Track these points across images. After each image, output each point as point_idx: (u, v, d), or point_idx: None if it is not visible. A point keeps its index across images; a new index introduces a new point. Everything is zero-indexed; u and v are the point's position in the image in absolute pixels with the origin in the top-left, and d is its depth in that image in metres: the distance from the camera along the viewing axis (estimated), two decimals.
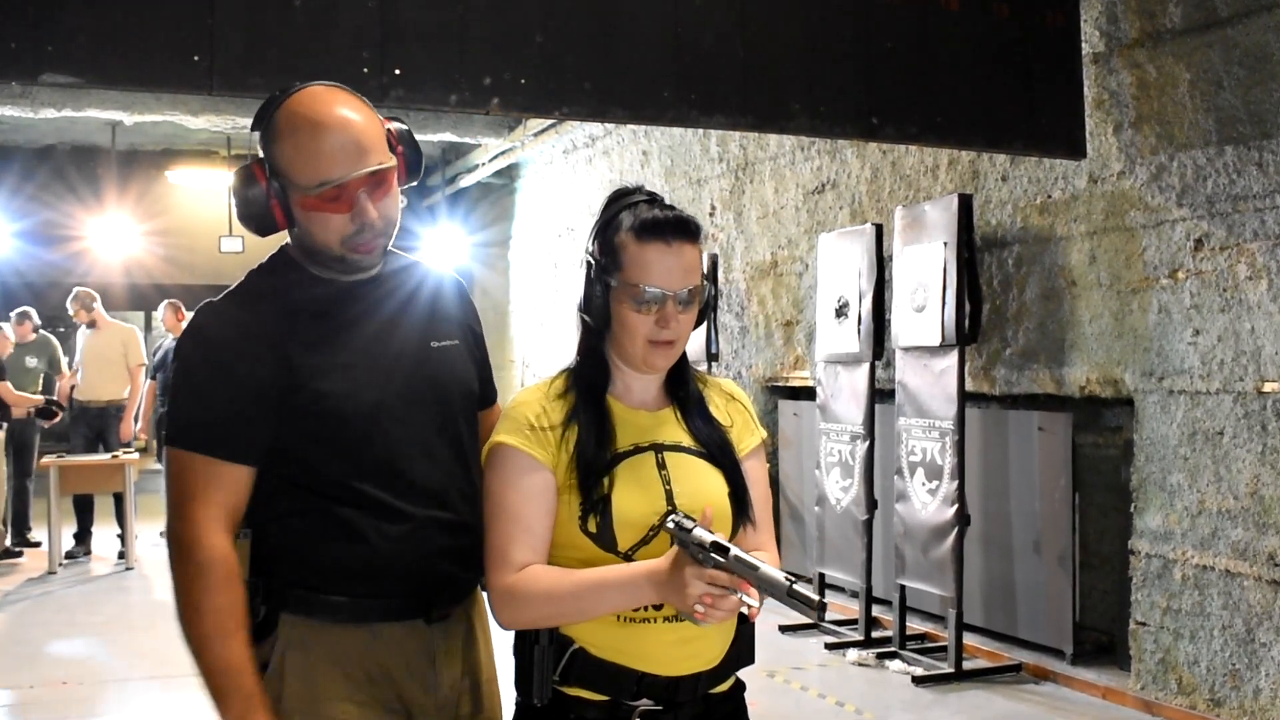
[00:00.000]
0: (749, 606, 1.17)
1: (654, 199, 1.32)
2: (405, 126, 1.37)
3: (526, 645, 1.28)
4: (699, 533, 1.17)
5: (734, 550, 1.16)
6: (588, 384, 1.32)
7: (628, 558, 1.25)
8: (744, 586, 1.15)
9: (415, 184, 1.39)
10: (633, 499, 1.26)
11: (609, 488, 1.26)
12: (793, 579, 1.13)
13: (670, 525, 1.19)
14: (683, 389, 1.36)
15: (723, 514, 1.29)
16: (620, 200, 1.32)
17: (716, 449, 1.33)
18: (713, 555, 1.16)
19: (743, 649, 1.34)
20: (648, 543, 1.25)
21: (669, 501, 1.27)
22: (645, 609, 1.25)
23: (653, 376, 1.34)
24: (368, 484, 1.30)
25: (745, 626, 1.34)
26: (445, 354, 1.40)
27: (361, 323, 1.35)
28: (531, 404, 1.32)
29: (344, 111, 1.30)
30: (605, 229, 1.30)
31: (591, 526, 1.25)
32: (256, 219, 1.32)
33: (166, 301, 6.96)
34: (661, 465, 1.29)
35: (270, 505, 1.31)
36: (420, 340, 1.38)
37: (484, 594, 1.41)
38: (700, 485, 1.29)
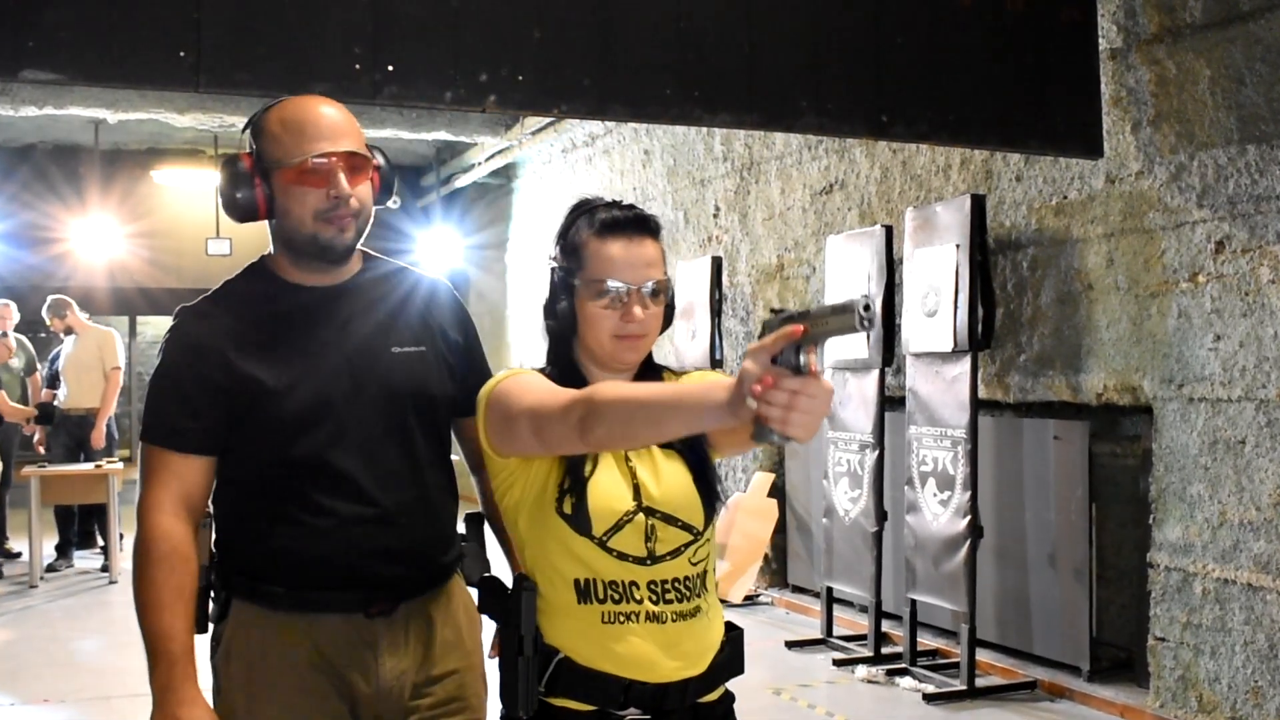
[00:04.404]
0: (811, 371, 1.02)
1: (612, 203, 1.36)
2: (387, 157, 1.51)
3: (510, 657, 1.28)
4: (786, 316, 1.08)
5: (814, 311, 1.04)
6: (562, 381, 1.33)
7: (602, 543, 1.28)
8: (795, 333, 1.01)
9: (388, 204, 1.52)
10: (607, 487, 1.30)
11: (591, 470, 1.29)
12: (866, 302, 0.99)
13: (769, 314, 1.16)
14: None
15: (692, 504, 1.32)
16: (580, 208, 1.37)
17: (680, 442, 1.33)
18: (790, 319, 1.04)
19: (731, 658, 1.35)
20: (620, 529, 1.28)
21: (636, 495, 1.30)
22: (628, 602, 1.27)
23: (622, 377, 1.36)
24: (296, 478, 1.40)
25: (734, 634, 1.36)
26: (406, 359, 1.46)
27: (315, 325, 1.44)
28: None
29: (328, 106, 1.45)
30: (566, 233, 1.35)
31: (567, 508, 1.28)
32: (240, 205, 1.43)
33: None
34: (628, 457, 1.33)
35: (222, 497, 1.45)
36: (379, 344, 1.46)
37: (454, 586, 1.51)
38: (667, 477, 1.32)
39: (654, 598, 1.28)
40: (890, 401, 4.48)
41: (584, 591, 1.28)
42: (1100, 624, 3.99)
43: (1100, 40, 3.57)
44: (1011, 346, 4.15)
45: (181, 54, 2.52)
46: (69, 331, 6.33)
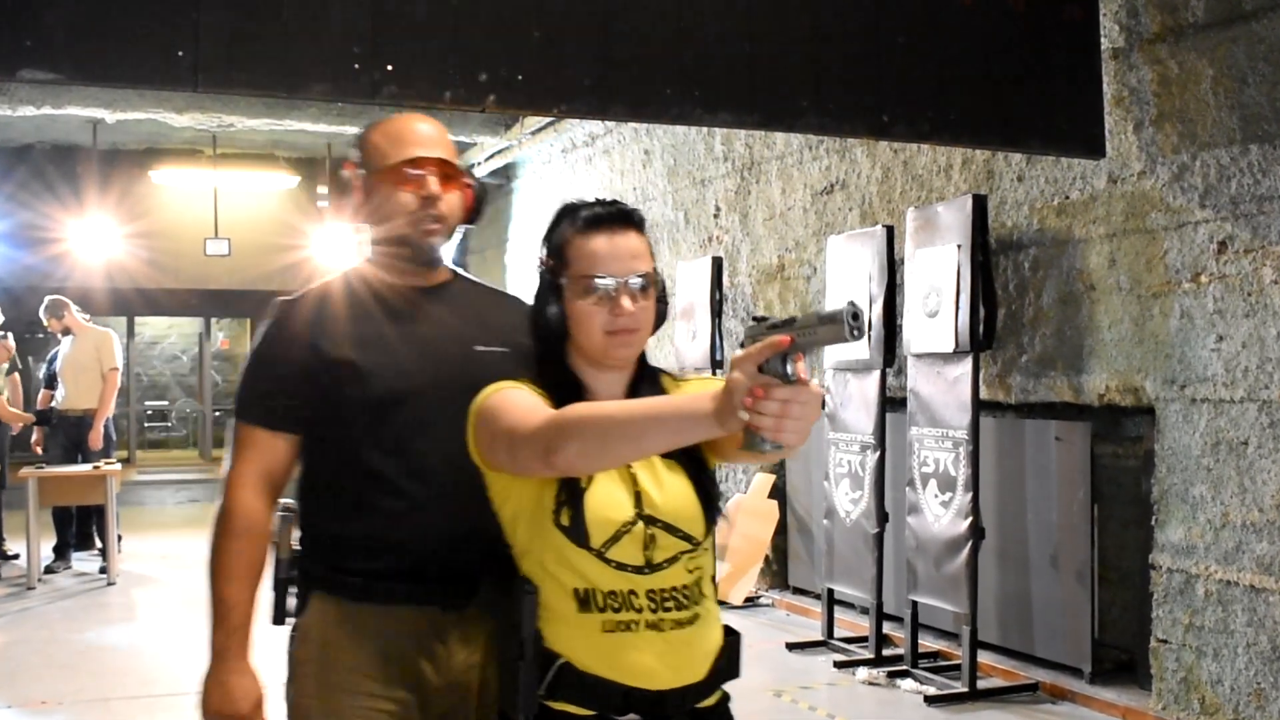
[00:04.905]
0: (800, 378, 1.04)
1: (595, 201, 1.37)
2: (481, 182, 1.63)
3: (511, 661, 1.29)
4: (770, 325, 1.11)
5: (800, 320, 1.07)
6: (557, 386, 1.33)
7: (600, 554, 1.27)
8: (783, 343, 1.03)
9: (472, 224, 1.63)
10: (605, 497, 1.28)
11: (587, 481, 1.28)
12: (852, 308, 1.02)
13: (752, 322, 1.15)
14: (642, 393, 1.36)
15: (693, 514, 1.31)
16: (563, 211, 1.38)
17: (680, 450, 1.31)
18: (775, 327, 1.07)
19: (728, 663, 1.36)
20: (618, 539, 1.27)
21: (637, 503, 1.29)
22: (628, 611, 1.27)
23: (617, 382, 1.35)
24: (377, 458, 1.47)
25: (731, 640, 1.36)
26: (489, 357, 1.51)
27: (403, 319, 1.54)
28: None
29: (425, 122, 1.58)
30: (551, 236, 1.36)
31: (564, 520, 1.27)
32: (343, 205, 1.57)
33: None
34: (629, 466, 1.31)
35: (305, 487, 1.54)
36: (463, 341, 1.54)
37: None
38: (669, 486, 1.32)
39: (653, 606, 1.28)
40: (891, 402, 4.45)
41: (584, 601, 1.28)
42: (1102, 626, 3.97)
43: (1102, 39, 3.56)
44: (1013, 347, 4.13)
45: (180, 53, 2.51)
46: (66, 332, 6.30)
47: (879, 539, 4.29)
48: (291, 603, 1.53)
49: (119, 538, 6.24)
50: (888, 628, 4.42)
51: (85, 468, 5.96)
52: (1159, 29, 3.48)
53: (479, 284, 1.67)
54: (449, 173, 1.54)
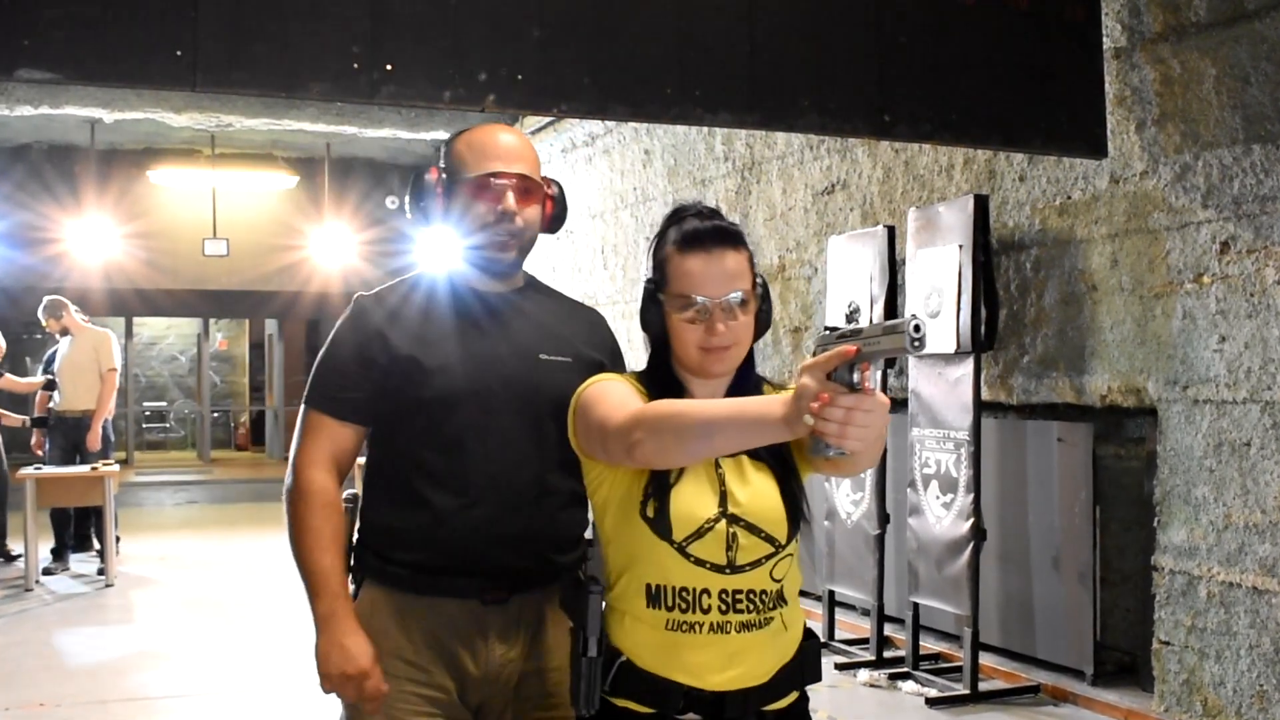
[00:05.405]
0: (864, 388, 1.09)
1: (701, 212, 1.39)
2: (562, 189, 1.68)
3: (576, 657, 1.34)
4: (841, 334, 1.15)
5: (867, 330, 1.12)
6: (661, 388, 1.38)
7: (681, 548, 1.30)
8: (850, 352, 1.07)
9: (553, 232, 1.67)
10: (691, 494, 1.31)
11: (676, 477, 1.31)
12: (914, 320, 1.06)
13: (824, 332, 1.19)
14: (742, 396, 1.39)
15: (777, 516, 1.33)
16: (670, 219, 1.40)
17: (769, 454, 1.36)
18: (844, 337, 1.12)
19: (803, 666, 1.37)
20: (701, 536, 1.30)
21: (722, 503, 1.31)
22: (695, 612, 1.30)
23: (719, 388, 1.39)
24: (432, 455, 1.52)
25: (808, 644, 1.39)
26: (551, 366, 1.57)
27: (473, 323, 1.58)
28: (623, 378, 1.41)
29: (509, 134, 1.63)
30: (655, 247, 1.39)
31: (649, 512, 1.31)
32: (421, 210, 1.61)
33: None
34: (718, 465, 1.34)
35: (368, 473, 1.60)
36: (529, 349, 1.58)
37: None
38: (755, 486, 1.34)
39: (723, 607, 1.31)
40: (893, 403, 4.43)
41: (654, 597, 1.32)
42: (1104, 627, 3.96)
43: (1104, 39, 3.54)
44: (1015, 348, 4.12)
45: (178, 53, 2.50)
46: (65, 333, 6.29)
47: (880, 540, 4.28)
48: (350, 589, 1.58)
49: (117, 539, 6.22)
50: (889, 630, 4.42)
51: (83, 469, 5.94)
52: (1161, 28, 3.47)
53: (555, 293, 1.71)
54: (528, 187, 1.58)
